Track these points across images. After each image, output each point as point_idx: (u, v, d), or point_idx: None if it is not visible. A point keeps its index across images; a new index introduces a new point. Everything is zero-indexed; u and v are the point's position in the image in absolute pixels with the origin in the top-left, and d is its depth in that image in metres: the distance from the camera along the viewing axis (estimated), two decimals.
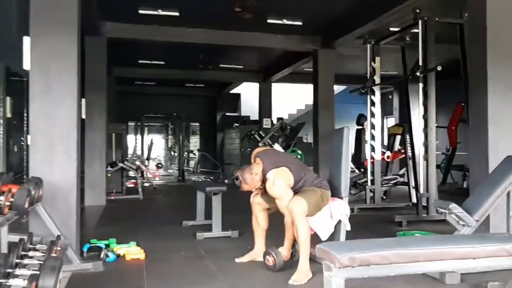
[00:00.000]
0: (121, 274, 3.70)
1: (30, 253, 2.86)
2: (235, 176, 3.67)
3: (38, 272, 2.23)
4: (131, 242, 4.36)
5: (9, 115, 7.15)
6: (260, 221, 3.88)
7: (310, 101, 11.09)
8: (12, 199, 2.72)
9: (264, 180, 3.65)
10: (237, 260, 3.90)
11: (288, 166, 3.63)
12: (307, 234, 3.44)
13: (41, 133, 3.71)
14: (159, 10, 7.43)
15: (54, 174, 3.69)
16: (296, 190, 3.61)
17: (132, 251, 4.11)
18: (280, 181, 3.54)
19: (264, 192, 3.85)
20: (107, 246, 4.28)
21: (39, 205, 3.44)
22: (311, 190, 3.59)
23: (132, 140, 17.96)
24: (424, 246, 1.85)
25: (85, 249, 4.05)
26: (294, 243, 3.71)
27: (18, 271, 2.41)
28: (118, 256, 4.07)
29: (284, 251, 3.70)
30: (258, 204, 3.86)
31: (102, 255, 3.94)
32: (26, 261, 2.70)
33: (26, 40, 3.80)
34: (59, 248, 3.10)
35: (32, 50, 3.72)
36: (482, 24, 4.31)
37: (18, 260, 2.60)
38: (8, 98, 7.02)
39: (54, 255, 2.89)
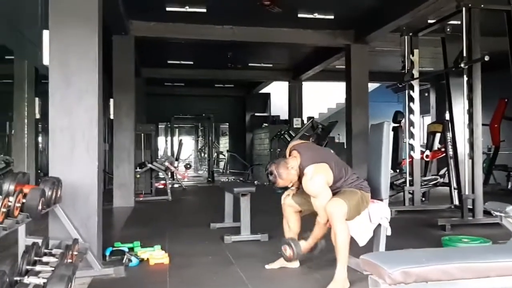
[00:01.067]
0: (143, 280, 3.47)
1: (44, 259, 2.67)
2: (269, 171, 3.36)
3: (44, 282, 2.01)
4: (155, 246, 4.13)
5: (37, 116, 7.13)
6: (291, 225, 3.58)
7: (341, 99, 10.75)
8: (23, 200, 2.52)
9: (300, 176, 3.34)
10: (267, 266, 3.61)
11: (328, 162, 3.31)
12: (347, 240, 3.11)
13: (60, 130, 3.54)
14: (187, 7, 7.24)
15: (73, 174, 3.50)
16: (334, 191, 3.28)
17: (156, 256, 3.88)
18: (319, 177, 3.21)
19: (297, 192, 3.55)
20: (131, 249, 4.08)
21: (58, 207, 3.25)
22: (351, 191, 3.27)
23: (162, 142, 18.03)
24: (494, 258, 1.51)
25: (107, 253, 3.85)
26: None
27: (27, 279, 2.21)
28: (141, 260, 3.85)
29: (304, 244, 3.41)
30: (289, 206, 3.56)
31: (124, 259, 3.72)
32: (38, 267, 2.51)
33: (46, 34, 3.63)
34: (75, 253, 2.90)
35: (51, 44, 3.55)
36: None
37: (29, 267, 2.40)
38: (36, 99, 7.01)
39: (69, 260, 2.69)
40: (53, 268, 2.32)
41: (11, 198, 2.38)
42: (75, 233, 3.28)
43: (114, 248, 3.99)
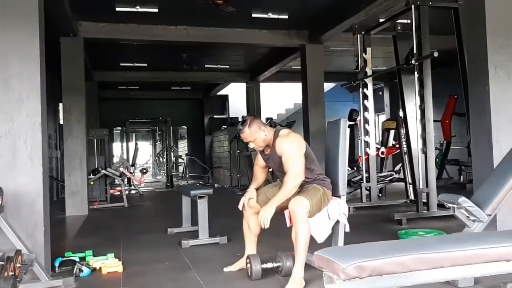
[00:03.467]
0: None
1: None
2: (244, 119, 3.36)
3: None
4: (109, 254, 3.96)
5: None
6: (251, 225, 3.50)
7: (298, 100, 10.79)
8: None
9: (269, 145, 3.35)
10: (225, 269, 3.52)
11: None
12: (307, 238, 3.07)
13: (1, 136, 3.31)
14: (137, 7, 7.05)
15: (16, 182, 3.29)
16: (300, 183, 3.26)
17: (109, 264, 3.71)
18: (297, 137, 3.32)
19: (258, 191, 3.49)
20: (82, 259, 3.89)
21: None
22: (313, 188, 3.24)
23: (118, 147, 17.57)
24: (448, 248, 1.48)
25: (56, 264, 3.65)
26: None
27: None
28: (93, 270, 3.67)
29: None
30: (250, 208, 3.48)
31: (75, 269, 3.53)
32: None
33: None
34: (18, 265, 2.71)
35: None
36: (479, 5, 4.02)
37: None
38: None
39: (11, 273, 2.51)
40: None
41: None
42: (19, 244, 3.07)
43: (64, 258, 3.80)
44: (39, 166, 3.36)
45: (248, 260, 3.31)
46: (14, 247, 3.06)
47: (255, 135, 3.32)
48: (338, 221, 3.34)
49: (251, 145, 3.43)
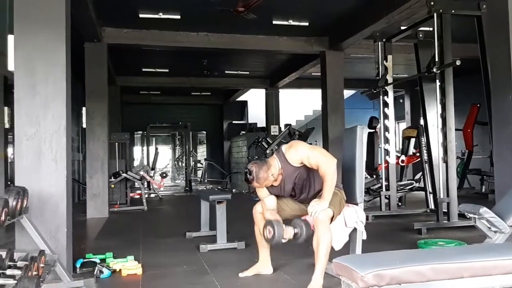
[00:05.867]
0: None
1: (8, 272, 2.55)
2: (249, 170, 3.21)
3: None
4: (128, 257, 4.02)
5: (7, 125, 6.91)
6: (262, 231, 3.52)
7: (318, 106, 10.77)
8: None
9: (278, 178, 3.28)
10: (241, 274, 3.53)
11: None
12: (329, 245, 3.07)
13: (27, 139, 3.41)
14: (160, 14, 7.17)
15: (41, 184, 3.38)
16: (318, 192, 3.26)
17: (128, 266, 3.77)
18: (297, 141, 3.50)
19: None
20: (103, 261, 3.95)
21: (24, 217, 3.12)
22: (333, 193, 3.21)
23: (138, 151, 17.79)
24: (468, 258, 1.48)
25: (78, 265, 3.73)
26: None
27: None
28: (113, 271, 3.73)
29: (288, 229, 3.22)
30: (260, 213, 3.50)
31: (95, 271, 3.60)
32: (1, 280, 2.39)
33: (11, 39, 3.51)
34: (42, 265, 2.77)
35: (16, 50, 3.43)
36: (503, 12, 3.98)
37: None
38: (6, 108, 6.80)
39: (34, 273, 2.57)
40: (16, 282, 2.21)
41: None
42: (43, 245, 3.15)
43: (85, 260, 3.87)
44: (63, 169, 3.44)
45: (267, 225, 3.20)
46: (37, 247, 3.14)
47: (265, 183, 3.25)
48: (355, 229, 3.34)
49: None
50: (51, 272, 3.15)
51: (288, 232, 3.18)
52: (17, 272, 2.57)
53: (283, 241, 3.18)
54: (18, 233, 3.30)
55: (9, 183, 6.77)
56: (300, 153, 3.24)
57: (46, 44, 3.49)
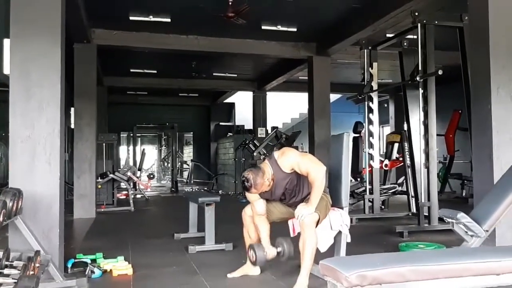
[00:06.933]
0: None
1: (5, 271, 2.63)
2: (246, 178, 3.31)
3: None
4: (118, 257, 4.10)
5: None
6: (251, 233, 3.65)
7: (304, 110, 10.95)
8: None
9: (272, 182, 3.42)
10: (229, 275, 3.65)
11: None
12: (314, 248, 3.23)
13: (22, 141, 3.48)
14: (151, 17, 7.25)
15: (35, 185, 3.46)
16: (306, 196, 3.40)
17: (119, 267, 3.86)
18: (288, 148, 3.52)
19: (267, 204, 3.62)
20: (93, 261, 4.02)
21: (18, 218, 3.20)
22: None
23: (125, 151, 17.75)
24: (443, 261, 1.62)
25: (69, 265, 3.80)
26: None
27: None
28: (104, 272, 3.81)
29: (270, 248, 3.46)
30: (249, 216, 3.62)
31: (87, 271, 3.68)
32: (0, 279, 2.46)
33: (7, 43, 3.57)
34: (37, 265, 2.85)
35: (12, 53, 3.50)
36: (483, 25, 4.16)
37: None
38: None
39: (31, 272, 2.66)
40: (15, 280, 2.29)
41: None
42: (37, 245, 3.23)
43: (76, 260, 3.94)
44: (56, 171, 3.52)
45: (250, 249, 3.44)
46: (30, 247, 3.21)
47: (262, 189, 3.37)
48: (340, 232, 3.48)
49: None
50: (45, 272, 3.22)
51: (271, 253, 3.43)
52: (13, 272, 2.65)
53: (269, 259, 3.42)
54: (12, 233, 3.36)
55: None
56: (291, 160, 3.38)
57: (42, 49, 3.56)
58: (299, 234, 3.39)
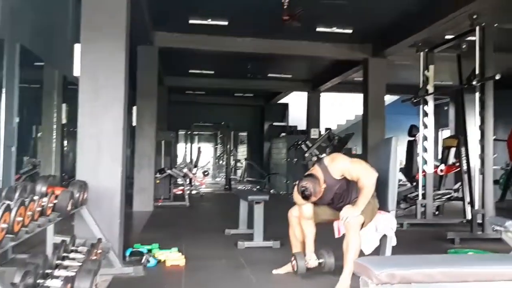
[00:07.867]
0: (160, 280, 3.71)
1: (72, 255, 2.92)
2: (305, 187, 3.40)
3: (74, 274, 2.25)
4: (172, 248, 4.37)
5: (64, 121, 7.46)
6: (297, 233, 3.76)
7: (360, 111, 10.87)
8: (55, 201, 2.78)
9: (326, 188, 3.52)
10: (274, 271, 3.80)
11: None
12: (358, 249, 3.32)
13: (88, 138, 3.81)
14: (209, 20, 7.54)
15: (99, 178, 3.77)
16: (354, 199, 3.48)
17: (172, 257, 4.11)
18: (337, 153, 3.61)
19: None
20: (149, 251, 4.30)
21: (84, 208, 3.51)
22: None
23: (182, 148, 18.37)
24: (474, 265, 1.68)
25: (127, 253, 4.09)
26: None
27: (57, 272, 2.45)
28: (159, 261, 4.08)
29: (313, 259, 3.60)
30: (296, 217, 3.74)
31: (143, 260, 3.96)
32: (66, 262, 2.75)
33: (77, 47, 3.92)
34: (99, 251, 3.14)
35: (82, 57, 3.84)
36: None
37: (59, 262, 2.65)
38: (64, 105, 7.34)
39: (94, 257, 2.93)
40: (80, 263, 2.56)
41: (45, 199, 2.64)
42: (99, 233, 3.53)
43: (134, 249, 4.23)
44: (118, 166, 3.82)
45: (293, 257, 3.60)
46: (93, 235, 3.52)
47: (320, 195, 3.46)
48: (385, 235, 3.52)
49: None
50: (105, 258, 3.52)
51: (312, 264, 3.59)
52: (79, 256, 2.94)
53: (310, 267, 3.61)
54: (77, 221, 3.69)
55: (63, 175, 7.30)
56: (342, 166, 3.47)
57: (109, 53, 3.88)
58: (343, 235, 3.47)
